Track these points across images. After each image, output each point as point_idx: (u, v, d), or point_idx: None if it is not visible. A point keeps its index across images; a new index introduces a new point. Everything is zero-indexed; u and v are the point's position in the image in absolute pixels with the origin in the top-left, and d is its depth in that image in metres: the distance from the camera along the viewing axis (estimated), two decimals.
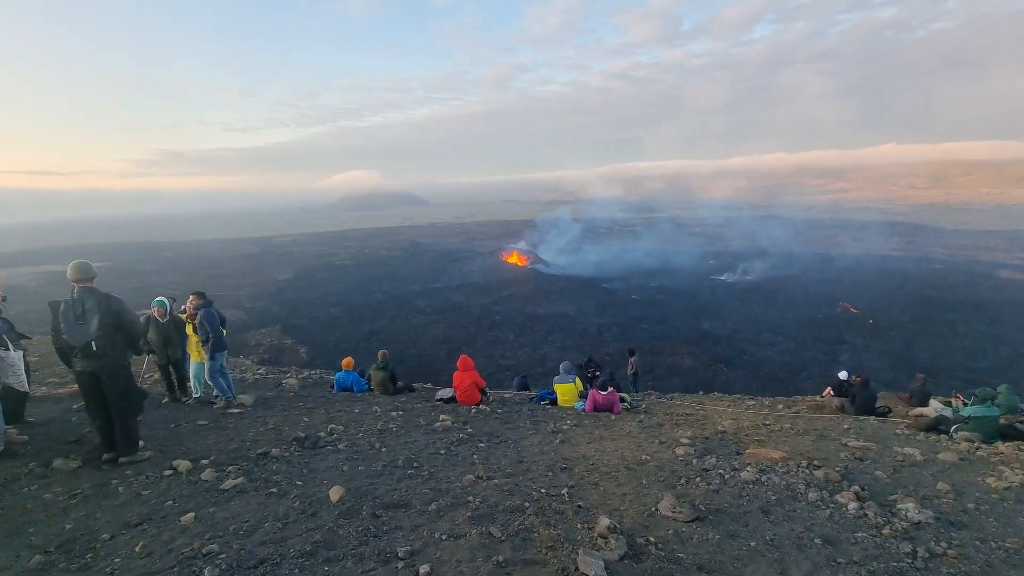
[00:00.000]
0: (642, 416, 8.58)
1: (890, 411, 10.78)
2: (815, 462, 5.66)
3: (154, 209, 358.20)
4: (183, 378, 8.19)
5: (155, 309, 7.70)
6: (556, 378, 9.51)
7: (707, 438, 6.83)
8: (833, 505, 4.55)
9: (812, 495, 4.71)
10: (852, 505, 4.51)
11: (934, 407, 10.23)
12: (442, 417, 7.51)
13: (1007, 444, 7.16)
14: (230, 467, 5.12)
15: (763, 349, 41.05)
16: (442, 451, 5.87)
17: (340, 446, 5.95)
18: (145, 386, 7.86)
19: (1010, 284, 52.45)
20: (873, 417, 9.23)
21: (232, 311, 53.31)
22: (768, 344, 42.12)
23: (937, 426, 8.28)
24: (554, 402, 9.51)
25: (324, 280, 67.82)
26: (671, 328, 45.44)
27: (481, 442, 6.36)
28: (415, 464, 5.40)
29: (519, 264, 75.11)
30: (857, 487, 4.90)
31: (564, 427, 7.38)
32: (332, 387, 10.24)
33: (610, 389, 8.82)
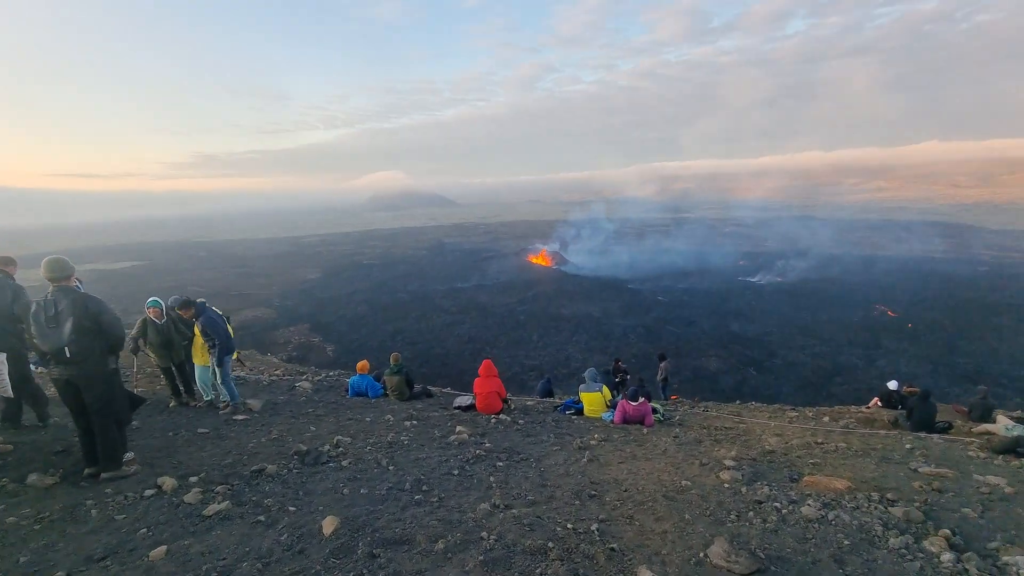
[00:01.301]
0: (677, 430, 7.77)
1: (951, 427, 9.68)
2: (887, 495, 4.79)
3: (188, 210, 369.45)
4: (188, 381, 7.73)
5: (150, 310, 7.21)
6: (582, 387, 8.76)
7: (754, 459, 6.00)
8: (922, 555, 3.71)
9: (893, 541, 3.87)
10: (947, 557, 3.66)
11: (1003, 423, 9.09)
12: (459, 429, 6.86)
13: None
14: (219, 487, 4.56)
15: (794, 353, 39.28)
16: (456, 471, 5.21)
17: (344, 463, 5.34)
18: (139, 391, 7.41)
19: None
20: (937, 435, 8.18)
21: (262, 309, 54.13)
22: (800, 348, 40.31)
23: (1016, 447, 7.23)
24: (580, 412, 8.77)
25: (351, 279, 68.34)
26: (698, 330, 44.00)
27: (500, 460, 5.69)
28: (424, 487, 4.75)
29: (544, 264, 74.32)
30: (947, 531, 4.04)
31: (592, 442, 6.64)
32: (347, 391, 9.73)
33: (641, 399, 8.04)
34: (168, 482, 4.55)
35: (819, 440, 7.15)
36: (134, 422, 6.48)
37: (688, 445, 6.66)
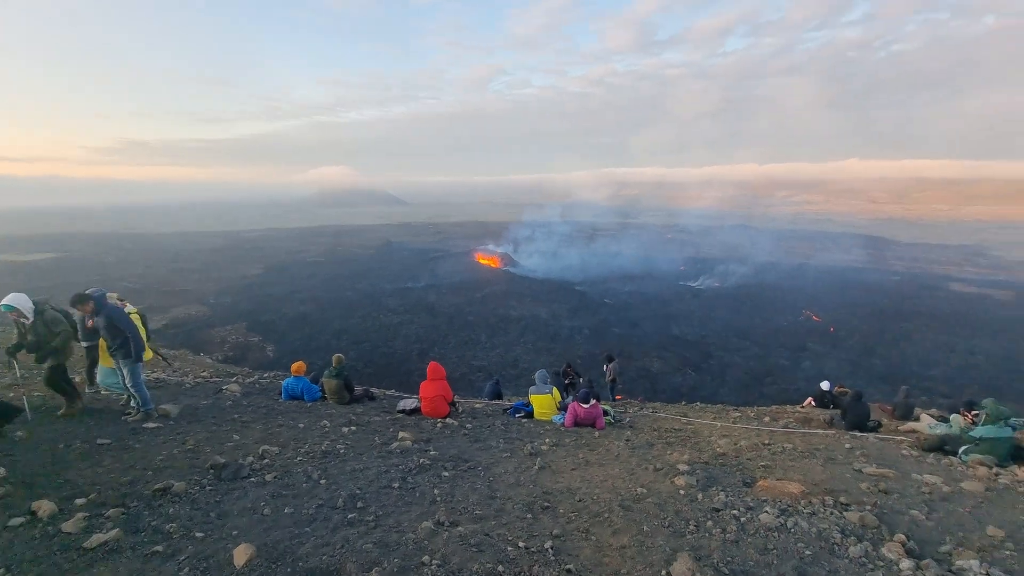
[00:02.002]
0: (628, 432, 7.57)
1: (881, 426, 10.10)
2: (840, 498, 4.72)
3: (115, 199, 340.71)
4: (64, 386, 6.48)
5: (10, 314, 6.07)
6: (532, 388, 8.41)
7: (706, 463, 5.85)
8: (882, 564, 3.58)
9: (853, 549, 3.73)
10: (906, 564, 3.55)
11: (927, 422, 9.57)
12: (401, 435, 6.31)
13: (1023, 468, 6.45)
14: (111, 511, 3.82)
15: (730, 355, 41.00)
16: (396, 484, 4.69)
17: (268, 477, 4.69)
18: (12, 398, 6.29)
19: (960, 296, 54.19)
20: (872, 435, 8.45)
21: (195, 306, 50.58)
22: (735, 350, 42.13)
23: (943, 446, 7.55)
24: (530, 414, 8.42)
25: (294, 276, 65.24)
26: (642, 332, 45.10)
27: (445, 469, 5.21)
28: (359, 504, 4.21)
29: (493, 265, 74.05)
30: (902, 535, 3.96)
31: (543, 447, 6.28)
32: (280, 395, 8.90)
33: (592, 401, 7.78)
34: (45, 507, 3.76)
35: (766, 441, 7.15)
36: (18, 432, 5.52)
37: (641, 449, 6.45)
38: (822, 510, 4.43)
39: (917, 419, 11.03)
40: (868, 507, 4.58)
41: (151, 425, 6.25)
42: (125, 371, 6.42)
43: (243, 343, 41.76)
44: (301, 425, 6.75)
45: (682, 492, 4.84)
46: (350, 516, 3.96)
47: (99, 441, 5.49)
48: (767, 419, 10.32)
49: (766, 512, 4.31)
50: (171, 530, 3.59)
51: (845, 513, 4.37)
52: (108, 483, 4.40)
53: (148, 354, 7.19)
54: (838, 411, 10.14)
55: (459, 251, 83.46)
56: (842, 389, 13.34)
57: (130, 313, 6.80)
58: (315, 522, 3.83)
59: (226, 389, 9.02)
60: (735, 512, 4.33)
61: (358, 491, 4.45)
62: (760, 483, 5.05)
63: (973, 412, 11.23)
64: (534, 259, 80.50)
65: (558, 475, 5.29)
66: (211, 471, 4.73)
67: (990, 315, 48.20)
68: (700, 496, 4.72)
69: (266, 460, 5.17)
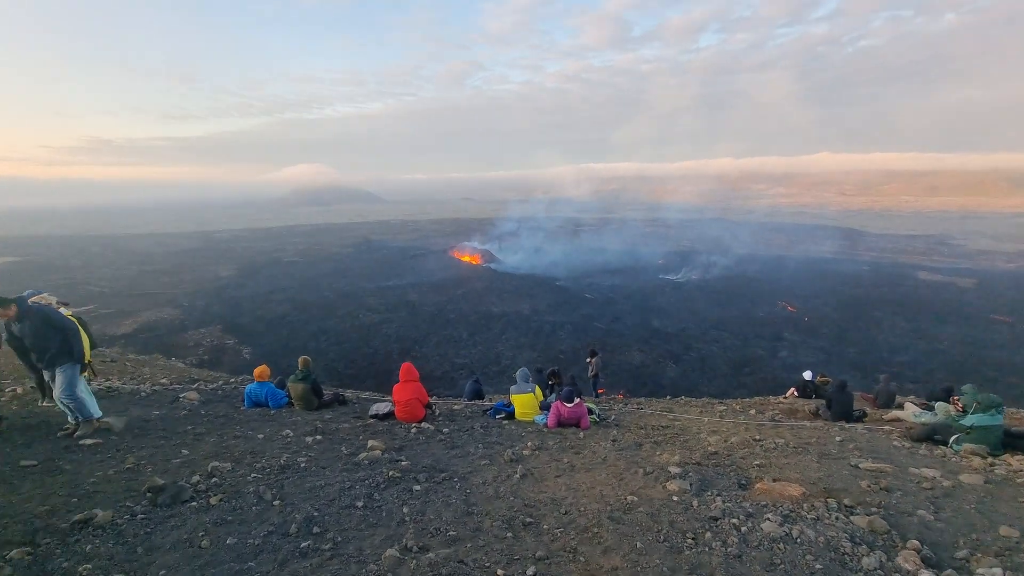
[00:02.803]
0: (614, 432, 7.16)
1: (866, 415, 9.94)
2: (844, 500, 4.37)
3: (80, 200, 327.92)
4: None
5: None
6: (513, 388, 7.94)
7: (699, 463, 5.46)
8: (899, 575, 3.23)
9: (867, 560, 3.36)
10: (925, 575, 3.20)
11: (911, 410, 9.42)
12: (371, 444, 5.77)
13: (1015, 457, 6.25)
14: (14, 552, 3.22)
15: (708, 346, 41.29)
16: (360, 502, 4.16)
17: (213, 499, 4.11)
18: None
19: (927, 284, 55.66)
20: (860, 425, 8.21)
21: (167, 309, 48.78)
22: (713, 341, 42.45)
23: (933, 435, 7.34)
24: (511, 415, 7.95)
25: (270, 277, 63.54)
26: (622, 326, 45.15)
27: (417, 482, 4.69)
28: (316, 529, 3.67)
29: (473, 262, 73.41)
30: (915, 541, 3.61)
31: (525, 452, 5.81)
32: (243, 402, 8.25)
33: (577, 400, 7.36)
34: None
35: (756, 437, 6.81)
36: None
37: (628, 450, 6.03)
38: (827, 514, 4.06)
39: (900, 407, 10.94)
40: (874, 509, 4.23)
41: (89, 441, 5.58)
42: (60, 377, 5.72)
43: (218, 346, 40.39)
44: (260, 436, 6.15)
45: (675, 499, 4.43)
46: (303, 545, 3.43)
47: (23, 463, 4.82)
48: (753, 412, 10.05)
49: (768, 520, 3.91)
50: (84, 573, 3.02)
51: (852, 517, 4.01)
52: (20, 515, 3.76)
53: (88, 358, 6.50)
54: (823, 401, 9.92)
55: (439, 248, 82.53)
56: (824, 379, 13.22)
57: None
58: (261, 554, 3.29)
59: (183, 397, 8.32)
60: (735, 521, 3.93)
61: (316, 513, 3.91)
62: (758, 485, 4.66)
63: (955, 399, 11.20)
64: (514, 255, 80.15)
65: (541, 484, 4.83)
66: (148, 495, 4.14)
67: (955, 302, 49.61)
68: (695, 503, 4.31)
69: (214, 479, 4.58)
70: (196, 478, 4.55)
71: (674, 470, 5.08)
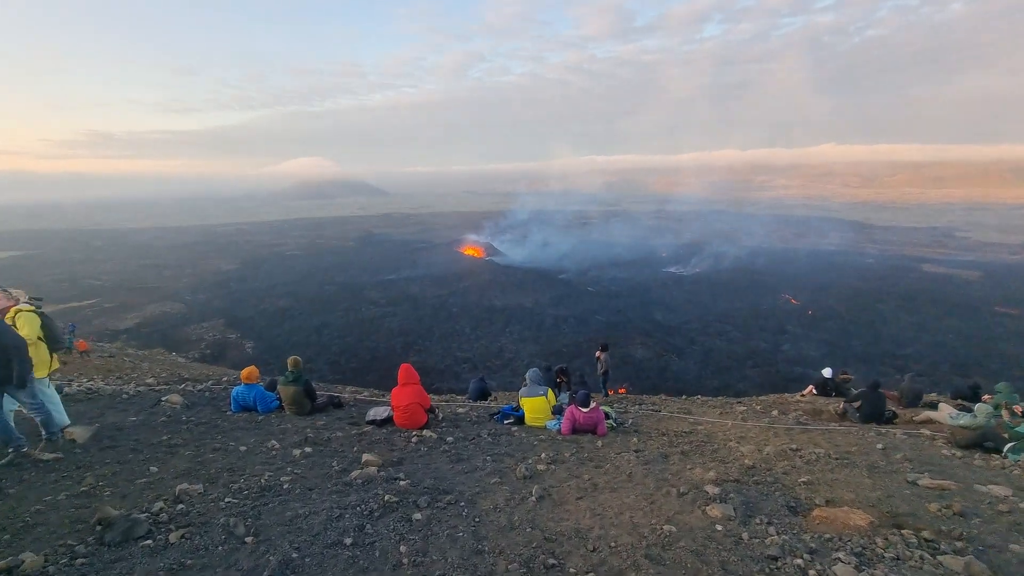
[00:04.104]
0: (635, 439, 6.46)
1: (896, 416, 9.23)
2: (923, 533, 3.67)
3: (82, 194, 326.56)
4: None
5: None
6: (523, 391, 7.23)
7: (737, 481, 4.76)
8: None
9: None
10: None
11: (947, 411, 8.70)
12: (366, 458, 5.07)
13: None
14: None
15: (711, 339, 40.65)
16: (349, 537, 3.45)
17: (173, 535, 3.40)
18: None
19: (931, 277, 54.84)
20: (898, 430, 7.50)
21: (170, 304, 48.33)
22: (716, 334, 41.80)
23: (983, 442, 6.64)
24: (520, 420, 7.26)
25: (272, 271, 62.95)
26: (625, 319, 44.52)
27: (418, 507, 4.00)
28: (293, 574, 2.99)
29: (476, 256, 72.68)
30: None
31: (539, 467, 5.11)
32: (230, 406, 7.55)
33: (593, 404, 6.66)
34: None
35: (793, 446, 6.11)
36: None
37: (655, 463, 5.33)
38: (907, 552, 3.37)
39: (927, 406, 10.24)
40: (959, 543, 3.54)
41: (48, 456, 4.89)
42: (15, 396, 5.01)
43: (221, 340, 39.89)
44: (243, 448, 5.45)
45: (719, 528, 3.74)
46: None
47: None
48: (775, 413, 9.36)
49: (839, 560, 3.22)
50: None
51: (940, 557, 3.31)
52: None
53: (55, 364, 5.81)
54: (852, 403, 9.21)
55: (441, 242, 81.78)
56: (845, 376, 12.50)
57: (23, 314, 5.37)
58: None
59: (165, 401, 7.63)
60: (799, 562, 3.22)
61: (295, 553, 3.22)
62: (815, 512, 3.96)
63: (985, 398, 10.47)
64: (517, 248, 79.42)
65: (562, 508, 4.13)
66: (97, 529, 3.45)
67: (959, 295, 48.82)
68: (744, 534, 3.61)
69: (181, 506, 3.89)
70: (159, 505, 3.85)
71: (712, 490, 4.38)
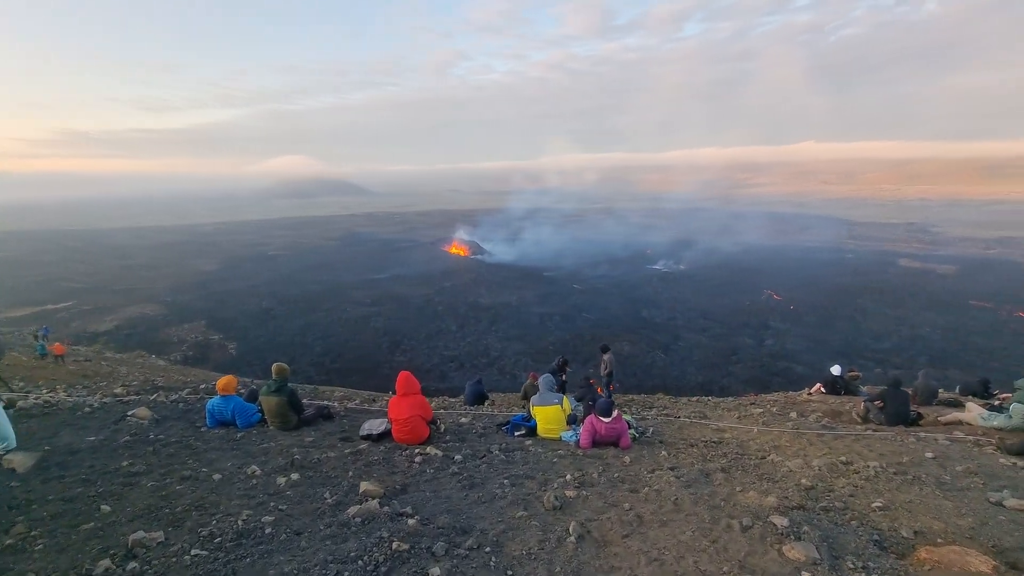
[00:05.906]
0: (663, 452, 5.73)
1: (921, 417, 8.68)
2: None
3: (56, 194, 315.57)
4: None
5: None
6: (535, 398, 6.43)
7: (802, 508, 4.05)
8: None
9: None
10: None
11: (977, 412, 8.16)
12: (364, 487, 4.22)
13: None
14: None
15: (696, 335, 40.48)
16: None
17: None
18: None
19: (909, 272, 55.64)
20: (940, 435, 6.91)
21: (149, 305, 46.41)
22: (701, 330, 41.65)
23: None
24: (532, 430, 6.48)
25: (254, 271, 61.09)
26: (611, 316, 44.13)
27: (434, 557, 3.17)
28: None
29: (461, 254, 71.71)
30: None
31: (568, 493, 4.32)
32: (206, 420, 6.61)
33: (615, 412, 5.90)
34: None
35: (842, 459, 5.43)
36: None
37: (698, 484, 4.58)
38: None
39: (949, 403, 9.76)
40: None
41: None
42: None
43: (203, 342, 38.33)
44: (217, 476, 4.55)
45: (803, 573, 3.01)
46: None
47: None
48: (794, 415, 8.74)
49: None
50: None
51: None
52: None
53: None
54: (873, 402, 8.63)
55: (426, 240, 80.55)
56: (854, 374, 12.03)
57: None
58: None
59: (131, 416, 6.64)
60: None
61: None
62: (921, 554, 3.26)
63: (1003, 396, 10.01)
64: (502, 247, 78.62)
65: (608, 551, 3.36)
66: None
67: (935, 289, 49.56)
68: None
69: (133, 564, 3.00)
70: (104, 564, 2.97)
71: (779, 521, 3.65)
